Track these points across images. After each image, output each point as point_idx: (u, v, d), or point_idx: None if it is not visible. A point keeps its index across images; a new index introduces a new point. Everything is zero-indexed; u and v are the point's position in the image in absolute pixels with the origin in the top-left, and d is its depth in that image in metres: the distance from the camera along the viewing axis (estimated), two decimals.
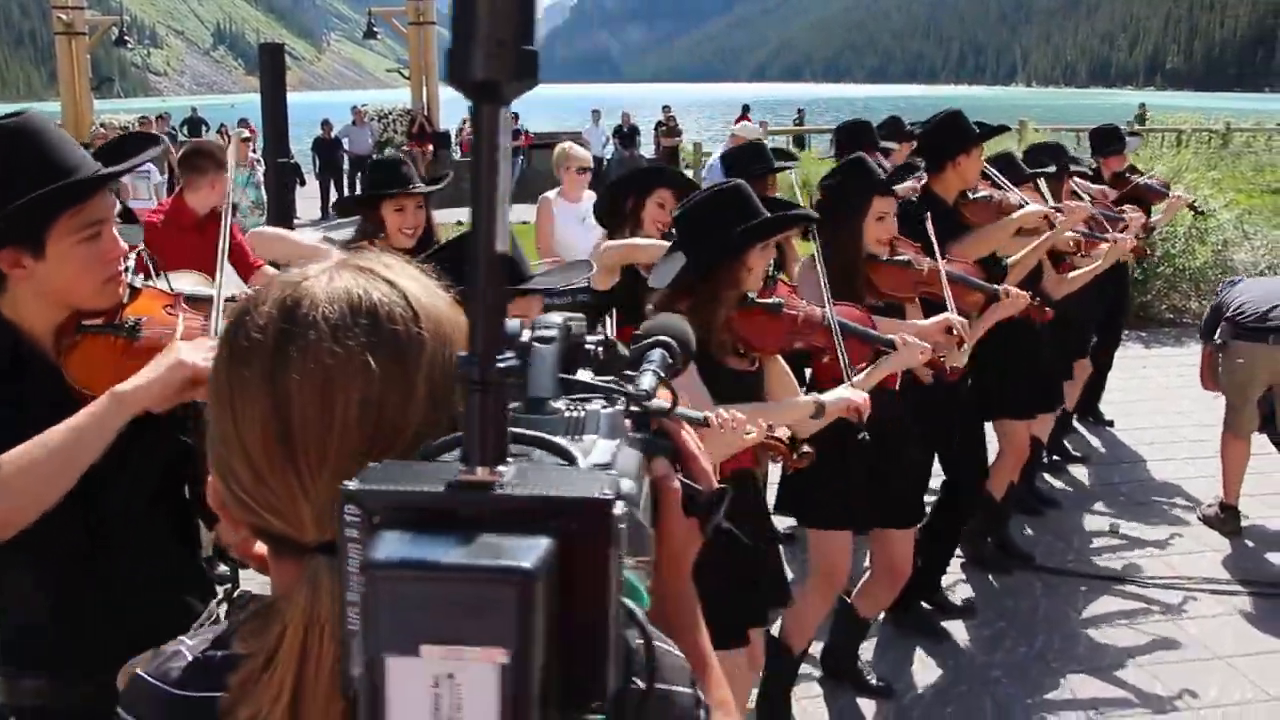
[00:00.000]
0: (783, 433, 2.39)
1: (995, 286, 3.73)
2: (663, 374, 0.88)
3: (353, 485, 0.59)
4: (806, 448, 2.38)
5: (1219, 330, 5.22)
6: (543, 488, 0.57)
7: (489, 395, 0.57)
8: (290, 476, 0.80)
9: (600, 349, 0.86)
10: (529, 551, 0.53)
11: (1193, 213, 6.85)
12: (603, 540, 0.56)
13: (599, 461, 0.67)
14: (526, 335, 0.79)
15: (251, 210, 10.45)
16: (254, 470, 0.82)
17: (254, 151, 10.51)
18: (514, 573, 0.52)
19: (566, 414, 0.74)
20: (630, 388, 0.84)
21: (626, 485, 0.62)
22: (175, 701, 0.86)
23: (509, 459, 0.60)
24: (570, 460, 0.64)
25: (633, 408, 0.85)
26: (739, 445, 2.24)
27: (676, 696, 0.86)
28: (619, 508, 0.57)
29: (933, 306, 3.51)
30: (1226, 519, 5.12)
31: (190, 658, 0.88)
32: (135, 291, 1.90)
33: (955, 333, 3.34)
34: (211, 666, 0.86)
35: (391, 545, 0.54)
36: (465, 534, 0.54)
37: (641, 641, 0.63)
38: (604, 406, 0.76)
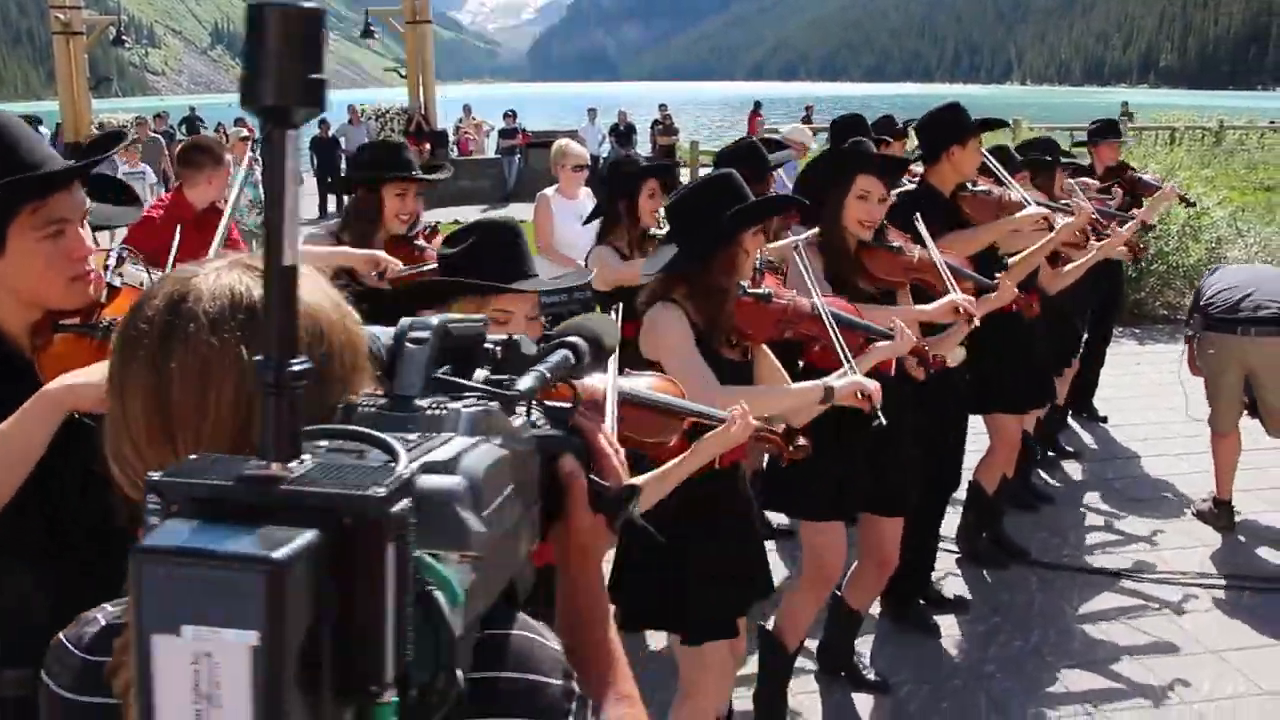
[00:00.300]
0: (779, 425, 2.40)
1: (986, 279, 3.74)
2: (550, 375, 0.90)
3: (155, 475, 0.63)
4: (802, 440, 2.38)
5: (1191, 322, 5.25)
6: (323, 485, 0.60)
7: (282, 398, 0.61)
8: (169, 457, 0.84)
9: (499, 349, 0.90)
10: (287, 543, 0.56)
11: (1183, 204, 6.88)
12: (374, 536, 0.59)
13: (437, 459, 0.69)
14: (385, 338, 0.85)
15: (250, 209, 10.45)
16: (138, 451, 0.88)
17: (252, 150, 10.51)
18: (264, 562, 0.55)
19: (427, 412, 0.77)
20: (508, 387, 0.86)
21: (441, 481, 0.67)
22: (85, 665, 0.91)
23: (318, 452, 0.66)
24: (392, 455, 0.66)
25: (523, 405, 0.88)
26: (738, 442, 2.25)
27: (545, 687, 0.88)
28: (400, 505, 0.61)
29: (921, 296, 3.52)
30: (1220, 514, 5.14)
31: (103, 623, 0.94)
32: (114, 291, 1.90)
33: (963, 310, 3.34)
34: (114, 632, 0.91)
35: (164, 533, 0.58)
36: (244, 524, 0.58)
37: (454, 633, 0.66)
38: (469, 406, 0.78)
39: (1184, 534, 5.06)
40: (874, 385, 2.73)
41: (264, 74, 0.57)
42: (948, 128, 4.03)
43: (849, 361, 2.82)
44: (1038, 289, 4.69)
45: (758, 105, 24.43)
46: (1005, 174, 4.24)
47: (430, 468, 0.69)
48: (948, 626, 4.24)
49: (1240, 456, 5.18)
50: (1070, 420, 6.48)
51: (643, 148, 20.96)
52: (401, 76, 18.16)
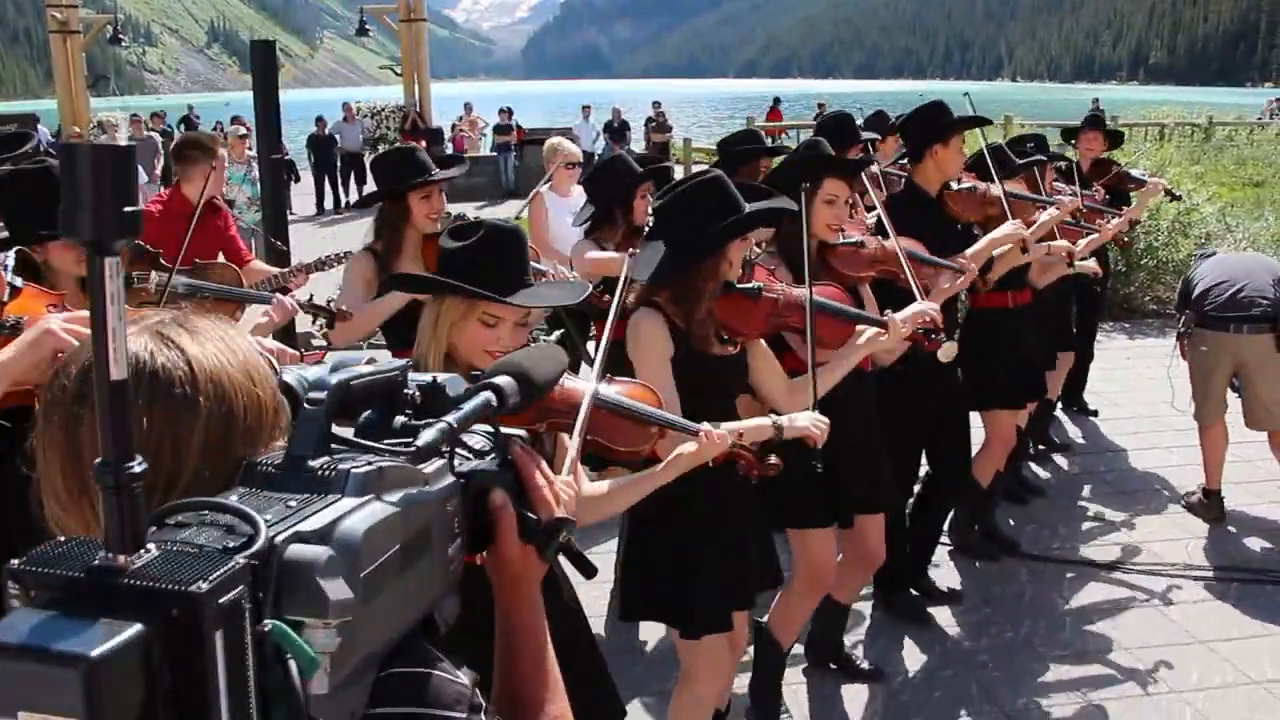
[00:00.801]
0: (751, 443, 2.42)
1: (950, 262, 3.74)
2: (458, 425, 0.91)
3: (15, 563, 0.68)
4: (774, 458, 2.37)
5: (1183, 319, 5.30)
6: (156, 579, 0.66)
7: (122, 496, 0.67)
8: (85, 509, 0.93)
9: (419, 394, 0.93)
10: (109, 639, 0.62)
11: (1170, 199, 6.94)
12: (197, 627, 0.65)
13: (310, 528, 0.74)
14: (297, 385, 0.90)
15: (249, 206, 10.47)
16: (62, 506, 0.96)
17: (250, 148, 10.53)
18: (79, 660, 0.61)
19: (318, 474, 0.80)
20: (411, 443, 0.88)
21: (304, 553, 0.71)
22: None
23: (175, 535, 0.71)
24: (253, 526, 0.71)
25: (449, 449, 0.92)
26: (713, 455, 2.27)
27: None
28: (230, 594, 0.66)
29: (885, 287, 3.54)
30: (1210, 505, 5.20)
31: None
32: (16, 290, 1.96)
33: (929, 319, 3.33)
34: None
35: (6, 626, 0.64)
36: (89, 614, 0.64)
37: (301, 700, 0.70)
38: (358, 466, 0.81)
39: (1173, 526, 5.11)
40: (822, 429, 2.65)
41: (81, 207, 0.64)
42: (930, 127, 4.03)
43: (813, 356, 2.84)
44: (1028, 283, 4.75)
45: (777, 101, 25.16)
46: (994, 171, 4.28)
47: (301, 537, 0.73)
48: (940, 617, 4.28)
49: (1228, 448, 5.23)
50: (1060, 414, 6.54)
51: (637, 145, 21.00)
52: (396, 74, 18.16)
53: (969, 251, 3.98)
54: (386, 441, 0.87)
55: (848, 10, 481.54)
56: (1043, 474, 5.79)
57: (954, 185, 4.14)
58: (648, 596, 2.82)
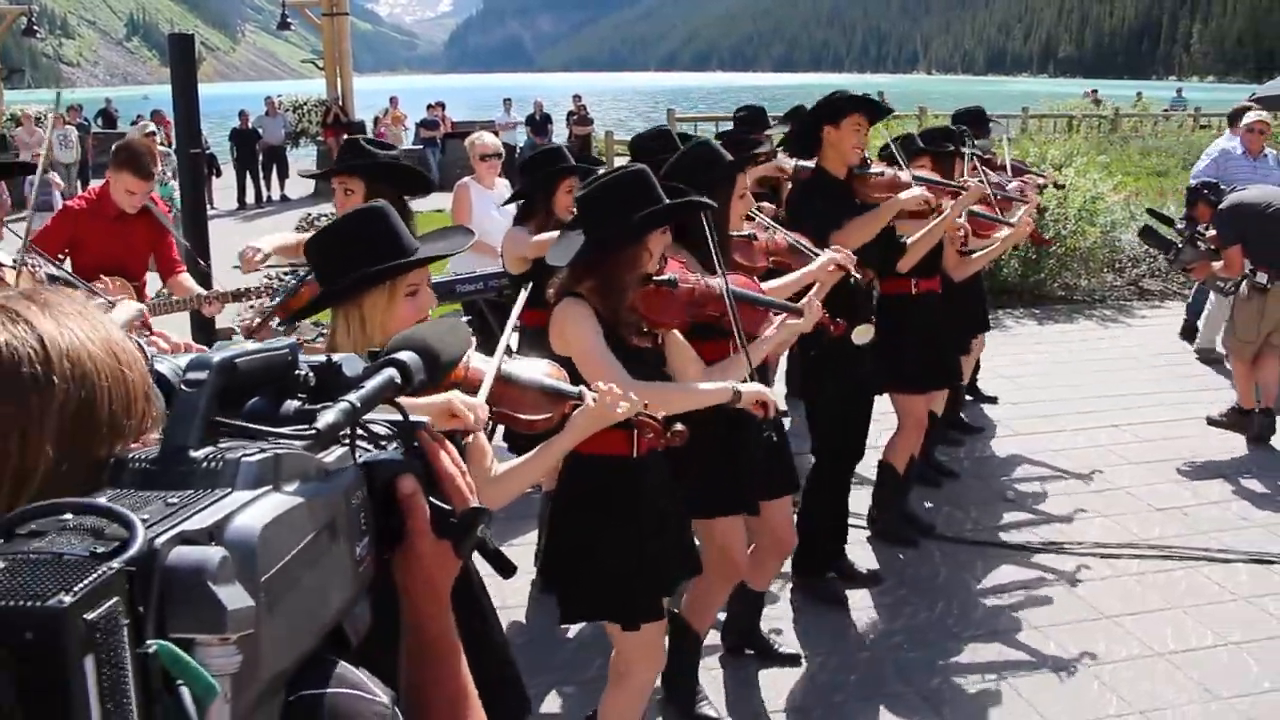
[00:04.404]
0: (656, 411, 2.43)
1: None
2: (361, 404, 0.82)
3: None
4: (679, 425, 2.38)
5: (1263, 275, 5.82)
6: (6, 595, 0.56)
7: None
8: None
9: (313, 375, 0.83)
10: None
11: (1056, 188, 7.17)
12: (56, 653, 0.55)
13: (196, 527, 0.64)
14: (172, 375, 0.80)
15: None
16: None
17: (163, 145, 10.18)
18: None
19: (203, 466, 0.70)
20: (305, 428, 0.78)
21: (191, 556, 0.61)
22: None
23: (29, 542, 0.61)
24: (127, 527, 0.61)
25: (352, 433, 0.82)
26: (610, 419, 2.25)
27: None
28: (102, 608, 0.57)
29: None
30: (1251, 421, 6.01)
31: None
32: None
33: (841, 264, 3.42)
34: None
35: None
36: None
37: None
38: (251, 454, 0.71)
39: (1082, 507, 5.25)
40: (774, 396, 2.81)
41: None
42: (820, 111, 4.13)
43: (743, 344, 2.89)
44: (940, 271, 4.84)
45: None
46: (901, 156, 4.36)
47: (186, 538, 0.62)
48: (857, 599, 4.35)
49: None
50: (970, 398, 6.67)
51: (559, 138, 20.93)
52: (319, 68, 17.85)
53: (908, 253, 4.23)
54: (281, 428, 0.77)
55: (767, 3, 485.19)
56: (955, 457, 5.90)
57: (863, 170, 4.21)
58: (586, 598, 2.84)
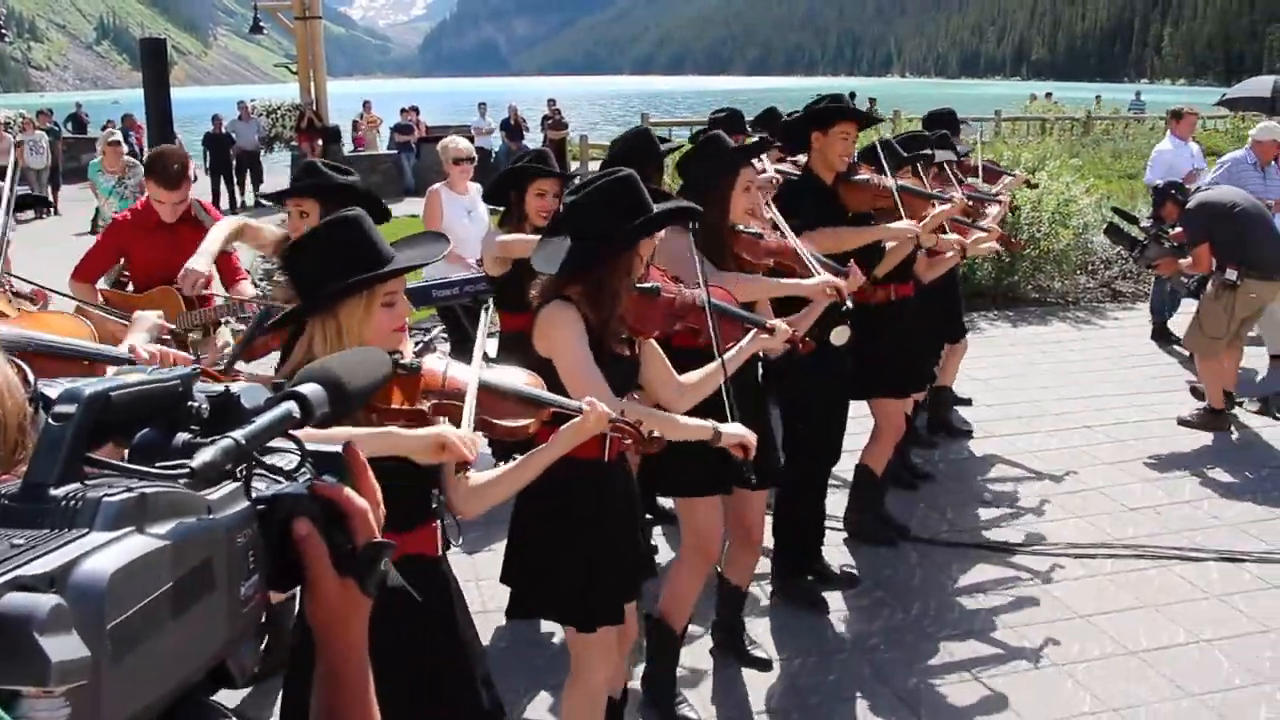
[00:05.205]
0: (636, 419, 2.45)
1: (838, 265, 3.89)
2: (247, 441, 0.77)
3: None
4: (656, 432, 2.40)
5: (1233, 272, 5.94)
6: None
7: None
8: None
9: (208, 406, 0.80)
10: None
11: (1028, 187, 7.26)
12: None
13: (35, 571, 0.60)
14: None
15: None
16: None
17: (128, 154, 9.96)
18: None
19: (62, 504, 0.67)
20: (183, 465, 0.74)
21: (20, 603, 0.58)
22: None
23: None
24: None
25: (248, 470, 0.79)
26: (597, 430, 2.28)
27: None
28: None
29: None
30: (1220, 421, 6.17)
31: None
32: None
33: (831, 291, 3.45)
34: None
35: None
36: None
37: None
38: (115, 493, 0.68)
39: (1056, 507, 5.30)
40: (753, 439, 2.81)
41: None
42: (809, 117, 4.19)
43: (720, 355, 2.91)
44: (913, 277, 4.88)
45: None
46: (886, 164, 4.39)
47: (20, 583, 0.59)
48: (834, 601, 4.37)
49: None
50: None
51: (533, 142, 20.93)
52: (292, 72, 17.76)
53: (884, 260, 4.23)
54: (159, 464, 0.73)
55: (739, 5, 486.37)
56: (930, 459, 5.95)
57: (850, 177, 4.26)
58: (546, 597, 2.84)
